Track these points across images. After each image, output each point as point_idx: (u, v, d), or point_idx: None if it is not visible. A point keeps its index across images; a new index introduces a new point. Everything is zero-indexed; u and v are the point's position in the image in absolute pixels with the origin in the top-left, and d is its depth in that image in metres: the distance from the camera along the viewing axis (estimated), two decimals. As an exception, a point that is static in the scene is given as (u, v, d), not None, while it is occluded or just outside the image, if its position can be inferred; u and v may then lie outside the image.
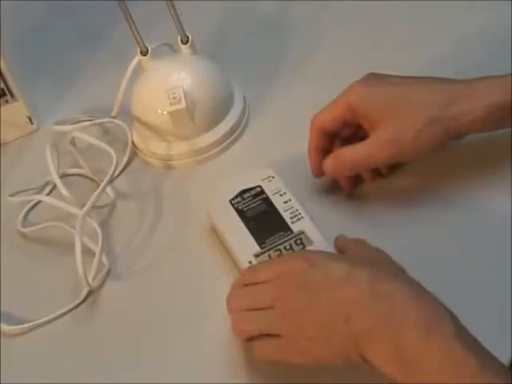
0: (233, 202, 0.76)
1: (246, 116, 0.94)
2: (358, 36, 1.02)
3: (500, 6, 0.95)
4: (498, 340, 0.63)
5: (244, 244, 0.73)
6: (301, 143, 0.81)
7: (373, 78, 0.76)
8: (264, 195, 0.75)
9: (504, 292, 0.70)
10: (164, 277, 0.82)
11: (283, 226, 0.73)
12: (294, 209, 0.74)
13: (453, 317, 0.57)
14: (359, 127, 0.77)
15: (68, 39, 1.14)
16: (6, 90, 0.98)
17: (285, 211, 0.74)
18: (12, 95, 0.98)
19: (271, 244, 0.72)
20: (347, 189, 0.80)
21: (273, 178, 0.77)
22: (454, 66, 0.89)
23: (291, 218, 0.73)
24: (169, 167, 0.92)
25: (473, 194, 0.78)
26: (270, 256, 0.71)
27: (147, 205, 0.89)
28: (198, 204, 0.86)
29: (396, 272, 0.64)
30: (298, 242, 0.72)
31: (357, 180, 0.80)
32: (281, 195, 0.75)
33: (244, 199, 0.76)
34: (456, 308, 0.59)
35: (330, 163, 0.76)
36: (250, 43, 1.07)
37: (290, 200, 0.75)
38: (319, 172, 0.79)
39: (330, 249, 0.70)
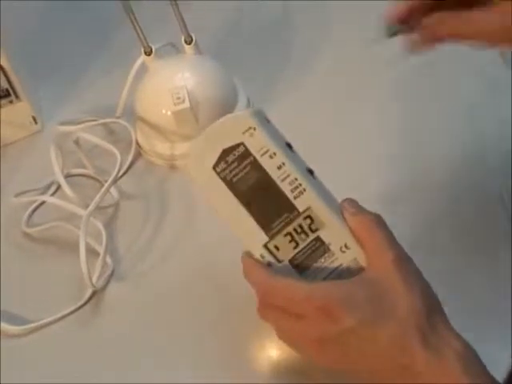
0: (217, 169, 0.63)
1: (250, 116, 0.94)
2: (360, 35, 1.02)
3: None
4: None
5: (249, 232, 0.64)
6: (303, 142, 0.81)
7: None
8: (251, 158, 0.63)
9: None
10: (168, 277, 0.81)
11: (286, 205, 0.63)
12: (292, 177, 0.63)
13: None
14: None
15: (72, 39, 1.14)
16: (10, 90, 0.97)
17: (282, 181, 0.63)
18: (16, 95, 0.98)
19: (278, 228, 0.63)
20: (424, 44, 0.68)
21: (254, 129, 0.63)
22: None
23: (292, 192, 0.63)
24: (173, 167, 0.92)
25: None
26: (281, 243, 0.64)
27: (151, 205, 0.89)
28: (202, 204, 0.86)
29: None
30: (308, 222, 0.64)
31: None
32: (271, 157, 0.63)
33: (229, 165, 0.63)
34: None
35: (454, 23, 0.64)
36: (253, 43, 1.07)
37: (283, 164, 0.63)
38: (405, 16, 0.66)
39: (343, 228, 0.63)
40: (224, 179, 0.63)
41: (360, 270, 0.62)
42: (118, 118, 0.97)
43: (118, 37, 1.11)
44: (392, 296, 0.59)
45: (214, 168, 0.63)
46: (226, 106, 0.92)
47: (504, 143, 0.83)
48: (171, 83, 0.89)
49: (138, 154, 0.95)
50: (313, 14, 1.08)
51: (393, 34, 0.67)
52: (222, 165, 0.63)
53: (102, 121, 0.97)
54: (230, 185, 0.63)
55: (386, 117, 0.91)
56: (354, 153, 0.89)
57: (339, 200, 0.64)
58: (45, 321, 0.80)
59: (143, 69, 0.94)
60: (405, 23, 0.66)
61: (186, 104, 0.87)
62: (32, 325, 0.79)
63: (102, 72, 1.07)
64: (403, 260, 0.61)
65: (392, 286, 0.59)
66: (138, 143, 0.95)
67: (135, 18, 0.88)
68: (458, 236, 0.77)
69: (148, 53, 0.92)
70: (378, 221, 0.63)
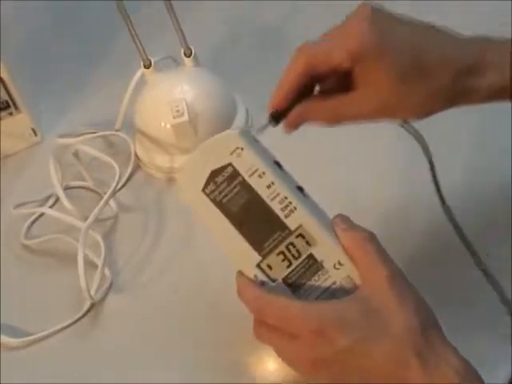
0: (206, 190, 0.63)
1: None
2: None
3: None
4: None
5: (241, 253, 0.64)
6: (304, 153, 0.81)
7: (382, 25, 0.63)
8: (240, 178, 0.63)
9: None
10: (166, 289, 0.82)
11: (277, 224, 0.63)
12: (282, 196, 0.63)
13: None
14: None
15: (72, 52, 1.15)
16: (10, 102, 0.98)
17: (272, 200, 0.63)
18: (16, 107, 0.99)
19: (271, 248, 0.63)
20: (291, 128, 0.68)
21: (242, 149, 0.63)
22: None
23: (282, 210, 0.63)
24: (172, 180, 0.92)
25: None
26: (274, 262, 0.63)
27: (150, 217, 0.89)
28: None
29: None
30: (301, 240, 0.63)
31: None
32: (259, 176, 0.63)
33: (218, 186, 0.63)
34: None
35: (325, 115, 0.66)
36: (252, 55, 1.07)
37: (272, 183, 0.63)
38: (277, 109, 0.66)
39: (336, 245, 0.63)
40: (214, 200, 0.63)
41: (354, 286, 0.62)
42: (118, 130, 0.98)
43: (117, 49, 1.11)
44: (386, 313, 0.59)
45: (204, 190, 0.63)
46: (225, 118, 0.92)
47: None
48: (170, 96, 0.90)
49: (137, 167, 0.95)
50: (311, 25, 1.08)
51: (275, 120, 0.66)
52: (212, 186, 0.63)
53: (101, 133, 0.97)
54: (220, 206, 0.63)
55: (382, 130, 0.92)
56: (351, 167, 0.89)
57: (331, 216, 0.64)
58: (43, 333, 0.80)
59: (142, 81, 0.94)
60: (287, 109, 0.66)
61: (185, 117, 0.87)
62: (30, 337, 0.80)
63: (102, 84, 1.07)
64: (396, 277, 0.60)
65: (386, 303, 0.59)
66: (137, 156, 0.95)
67: (134, 31, 0.89)
68: (453, 249, 0.77)
69: (147, 66, 0.92)
70: (371, 237, 0.62)
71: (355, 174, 0.88)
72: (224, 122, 0.91)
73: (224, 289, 0.76)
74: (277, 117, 0.66)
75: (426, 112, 0.65)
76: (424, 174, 0.67)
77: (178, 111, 0.88)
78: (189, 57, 0.93)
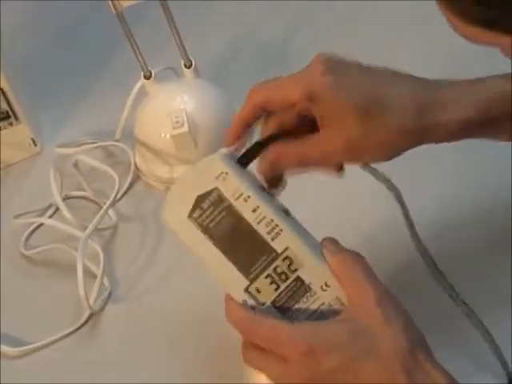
0: (193, 216, 0.63)
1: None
2: (360, 60, 1.02)
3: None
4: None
5: (229, 278, 0.63)
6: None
7: (338, 68, 0.64)
8: (226, 202, 0.63)
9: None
10: (165, 300, 0.82)
11: (264, 247, 0.63)
12: (268, 219, 0.63)
13: None
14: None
15: (72, 62, 1.15)
16: (10, 112, 0.98)
17: (258, 223, 0.63)
18: (16, 117, 0.99)
19: (258, 271, 0.63)
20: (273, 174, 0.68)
21: (226, 174, 0.63)
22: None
23: (269, 233, 0.63)
24: (171, 190, 0.93)
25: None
26: (262, 286, 0.63)
27: (149, 228, 0.89)
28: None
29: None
30: (288, 262, 0.63)
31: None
32: (245, 200, 0.63)
33: (204, 211, 0.63)
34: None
35: (292, 159, 0.66)
36: (252, 67, 1.07)
37: (258, 207, 0.63)
38: (235, 142, 0.68)
39: (323, 267, 0.62)
40: (201, 225, 0.63)
41: (342, 307, 0.62)
42: (117, 140, 0.98)
43: (118, 60, 1.11)
44: (374, 334, 0.59)
45: (190, 215, 0.63)
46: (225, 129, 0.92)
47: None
48: (170, 107, 0.90)
49: (137, 177, 0.95)
50: (313, 38, 1.08)
51: (244, 164, 0.66)
52: (198, 211, 0.63)
53: (101, 143, 0.97)
54: (207, 231, 0.63)
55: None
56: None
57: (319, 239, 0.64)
58: (42, 342, 0.80)
59: (143, 92, 0.95)
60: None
61: (185, 128, 0.88)
62: (29, 346, 0.80)
63: (102, 95, 1.07)
64: (384, 297, 0.60)
65: (374, 323, 0.59)
66: (136, 166, 0.95)
67: (135, 43, 0.89)
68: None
69: (147, 77, 0.93)
70: (359, 259, 0.63)
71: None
72: (223, 132, 0.92)
73: (222, 298, 0.77)
74: (244, 161, 0.66)
75: (392, 151, 0.64)
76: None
77: (177, 122, 0.88)
78: (189, 68, 0.93)
